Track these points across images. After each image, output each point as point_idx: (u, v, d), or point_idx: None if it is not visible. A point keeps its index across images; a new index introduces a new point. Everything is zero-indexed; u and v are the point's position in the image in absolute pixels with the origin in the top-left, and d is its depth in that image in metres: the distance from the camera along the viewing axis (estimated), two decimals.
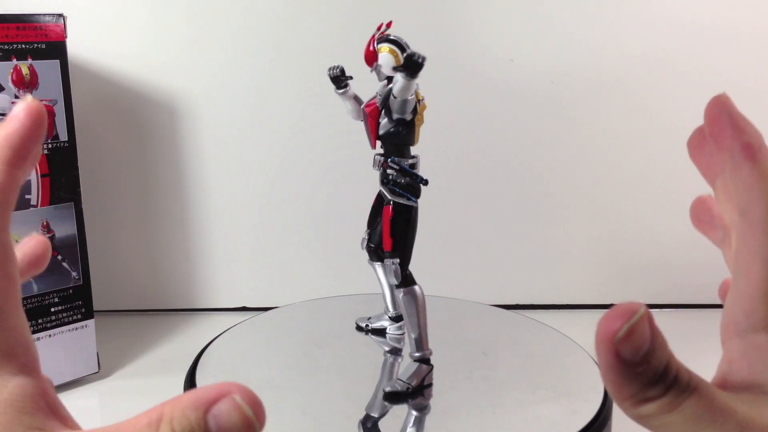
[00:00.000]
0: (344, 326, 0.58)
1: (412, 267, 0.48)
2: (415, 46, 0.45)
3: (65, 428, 0.18)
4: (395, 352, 0.54)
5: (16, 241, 0.28)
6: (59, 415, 0.19)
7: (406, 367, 0.48)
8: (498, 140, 0.73)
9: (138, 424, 0.18)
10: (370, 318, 0.57)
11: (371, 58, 0.48)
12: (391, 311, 0.56)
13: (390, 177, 0.48)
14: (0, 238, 0.20)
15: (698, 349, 0.66)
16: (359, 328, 0.57)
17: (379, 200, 0.50)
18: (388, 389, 0.46)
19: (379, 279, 0.54)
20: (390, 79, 0.47)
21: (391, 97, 0.46)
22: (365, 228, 0.52)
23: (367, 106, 0.49)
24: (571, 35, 0.71)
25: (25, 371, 0.18)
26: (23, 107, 0.21)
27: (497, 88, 0.72)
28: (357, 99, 0.51)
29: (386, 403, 0.46)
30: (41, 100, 0.55)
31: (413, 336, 0.48)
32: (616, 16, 0.70)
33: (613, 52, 0.71)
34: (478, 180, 0.74)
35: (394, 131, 0.47)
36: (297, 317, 0.61)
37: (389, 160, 0.48)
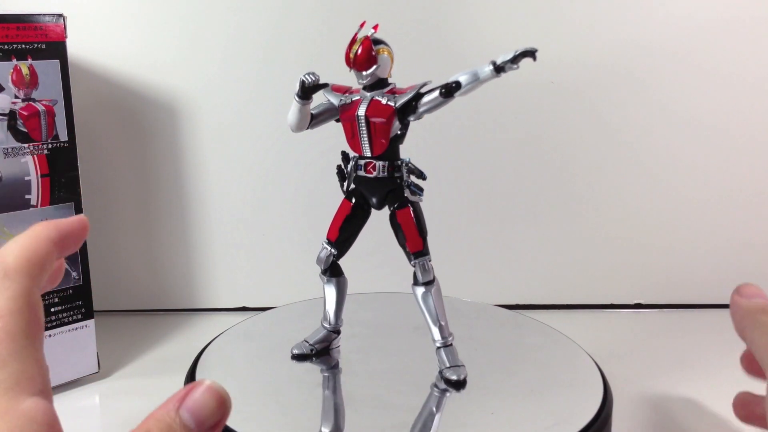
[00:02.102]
0: (342, 326, 0.58)
1: (411, 267, 0.49)
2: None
3: None
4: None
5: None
6: None
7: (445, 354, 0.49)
8: (498, 140, 0.73)
9: None
10: (305, 341, 0.53)
11: (371, 61, 0.46)
12: (333, 325, 0.53)
13: (404, 179, 0.48)
14: (34, 295, 0.23)
15: (699, 349, 0.66)
16: (301, 357, 0.52)
17: (359, 208, 0.49)
18: (454, 378, 0.47)
19: (329, 294, 0.52)
20: (382, 81, 0.47)
21: (419, 105, 0.46)
22: (324, 241, 0.50)
23: (379, 111, 0.46)
24: (571, 35, 0.71)
25: (41, 395, 0.21)
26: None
27: (497, 88, 0.71)
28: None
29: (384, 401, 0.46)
30: (41, 101, 0.55)
31: (441, 324, 0.49)
32: (617, 15, 0.70)
33: (613, 51, 0.71)
34: (478, 180, 0.74)
35: (401, 134, 0.48)
36: (296, 317, 0.61)
37: (407, 162, 0.48)
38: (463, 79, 0.44)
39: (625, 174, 0.74)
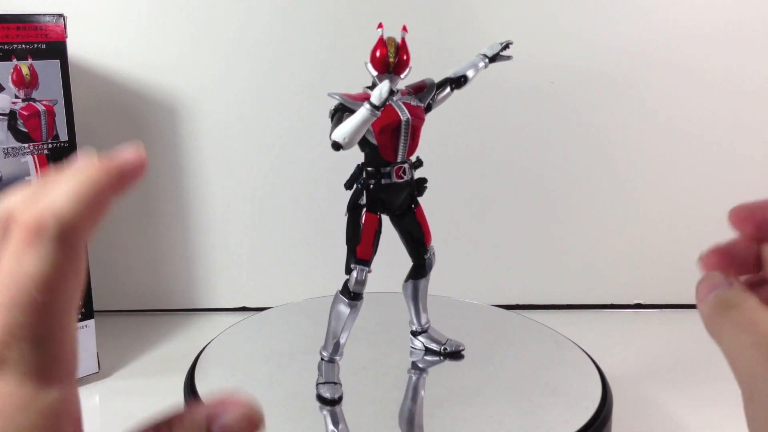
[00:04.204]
0: None
1: (411, 266, 0.49)
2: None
3: None
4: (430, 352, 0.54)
5: None
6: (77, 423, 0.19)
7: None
8: (498, 140, 0.73)
9: None
10: (327, 383, 0.48)
11: (408, 64, 0.44)
12: (340, 354, 0.49)
13: (413, 177, 0.48)
14: (82, 259, 0.19)
15: (698, 349, 0.66)
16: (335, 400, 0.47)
17: (380, 220, 0.47)
18: (462, 348, 0.53)
19: (350, 320, 0.48)
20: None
21: (435, 102, 0.47)
22: (356, 263, 0.46)
23: (417, 113, 0.46)
24: (572, 35, 0.71)
25: (67, 380, 0.18)
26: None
27: (497, 88, 0.72)
28: None
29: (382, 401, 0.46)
30: (41, 101, 0.55)
31: (426, 305, 0.53)
32: (617, 15, 0.70)
33: (613, 52, 0.71)
34: (477, 180, 0.74)
35: None
36: (296, 317, 0.61)
37: (417, 160, 0.48)
38: (469, 73, 0.46)
39: (625, 174, 0.74)
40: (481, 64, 0.47)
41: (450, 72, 0.47)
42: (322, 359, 0.48)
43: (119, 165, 0.20)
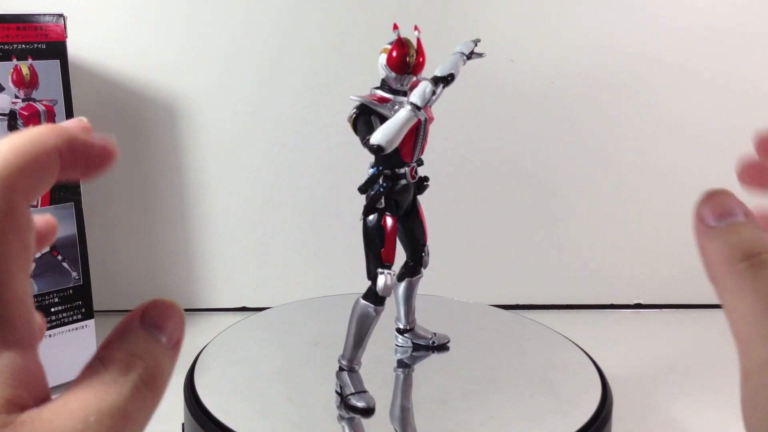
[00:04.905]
0: (341, 325, 0.58)
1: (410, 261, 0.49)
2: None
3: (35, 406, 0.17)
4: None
5: None
6: (37, 391, 0.18)
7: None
8: (498, 140, 0.73)
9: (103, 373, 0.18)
10: (358, 392, 0.47)
11: (424, 64, 0.45)
12: (359, 362, 0.49)
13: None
14: (23, 216, 0.18)
15: (698, 349, 0.66)
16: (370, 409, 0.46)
17: (392, 218, 0.46)
18: (446, 341, 0.54)
19: (373, 326, 0.47)
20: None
21: (431, 101, 0.45)
22: (383, 268, 0.45)
23: (430, 116, 0.46)
24: (572, 35, 0.71)
25: (19, 346, 0.17)
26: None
27: (497, 88, 0.72)
28: None
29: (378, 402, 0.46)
30: (41, 101, 0.55)
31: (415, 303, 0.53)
32: (617, 16, 0.70)
33: (613, 52, 0.71)
34: (477, 180, 0.74)
35: None
36: (295, 317, 0.61)
37: (419, 159, 0.47)
38: (456, 71, 0.45)
39: (624, 174, 0.74)
40: (461, 63, 0.47)
41: (437, 71, 0.46)
42: (342, 369, 0.47)
43: (71, 131, 0.20)
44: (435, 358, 0.51)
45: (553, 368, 0.51)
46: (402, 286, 0.52)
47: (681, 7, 0.70)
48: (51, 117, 0.55)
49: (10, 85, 0.53)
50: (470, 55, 0.47)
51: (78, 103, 0.57)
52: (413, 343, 0.54)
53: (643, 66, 0.71)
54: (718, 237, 0.20)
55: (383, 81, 0.45)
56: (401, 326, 0.54)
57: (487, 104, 0.72)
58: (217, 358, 0.52)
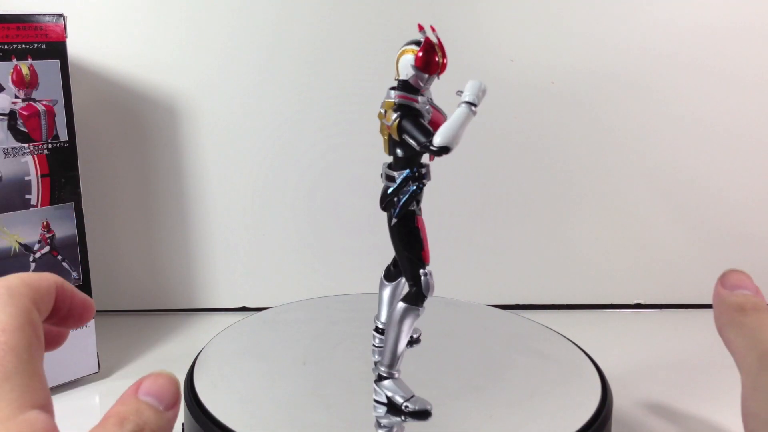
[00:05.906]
0: (341, 325, 0.58)
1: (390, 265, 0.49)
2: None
3: None
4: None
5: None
6: None
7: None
8: (497, 141, 0.73)
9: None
10: (413, 398, 0.47)
11: (447, 64, 0.45)
12: (383, 323, 0.51)
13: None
14: (35, 316, 0.25)
15: (698, 349, 0.66)
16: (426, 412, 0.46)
17: (422, 219, 0.46)
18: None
19: (387, 296, 0.51)
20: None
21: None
22: (425, 268, 0.45)
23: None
24: (572, 35, 0.71)
25: (43, 409, 0.23)
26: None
27: (497, 88, 0.72)
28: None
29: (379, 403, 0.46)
30: (41, 101, 0.55)
31: None
32: (617, 15, 0.70)
33: (613, 51, 0.71)
34: (477, 180, 0.74)
35: None
36: (295, 317, 0.61)
37: None
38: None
39: (624, 174, 0.74)
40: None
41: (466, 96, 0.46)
42: (384, 378, 0.46)
43: (62, 279, 0.30)
44: (433, 358, 0.51)
45: (554, 368, 0.51)
46: (390, 286, 0.52)
47: (682, 7, 0.70)
48: (51, 117, 0.55)
49: (10, 85, 0.53)
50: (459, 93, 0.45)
51: (78, 103, 0.57)
52: None
53: (644, 66, 0.71)
54: (727, 297, 0.31)
55: (404, 82, 0.44)
56: (380, 325, 0.54)
57: (487, 104, 0.72)
58: (217, 358, 0.52)
